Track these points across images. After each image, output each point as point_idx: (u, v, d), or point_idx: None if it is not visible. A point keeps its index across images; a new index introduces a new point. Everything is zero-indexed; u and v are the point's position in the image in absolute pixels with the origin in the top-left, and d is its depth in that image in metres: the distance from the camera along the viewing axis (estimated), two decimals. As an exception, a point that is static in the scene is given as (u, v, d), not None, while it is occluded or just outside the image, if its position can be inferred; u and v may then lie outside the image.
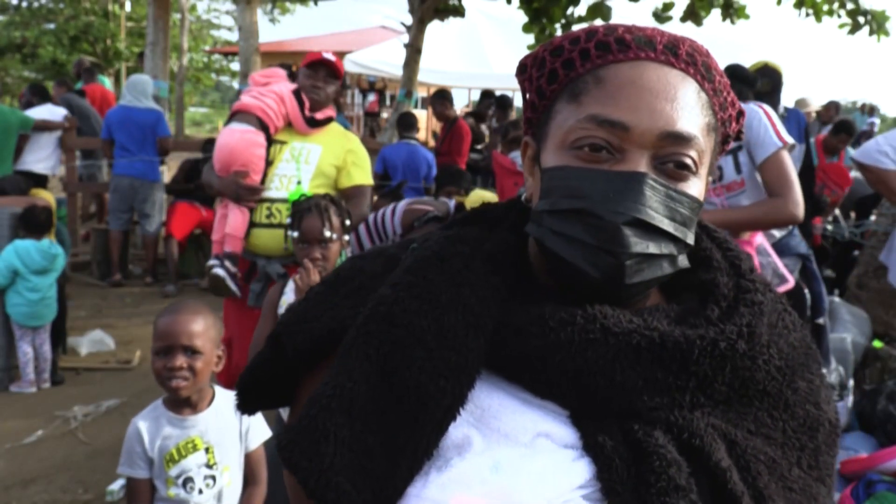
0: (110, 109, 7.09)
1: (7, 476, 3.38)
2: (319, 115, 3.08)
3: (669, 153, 0.74)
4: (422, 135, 10.62)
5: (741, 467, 0.70)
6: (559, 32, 7.89)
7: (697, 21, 8.15)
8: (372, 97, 14.03)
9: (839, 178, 6.67)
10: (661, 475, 0.67)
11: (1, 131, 6.32)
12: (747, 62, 4.38)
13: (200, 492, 2.02)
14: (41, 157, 6.90)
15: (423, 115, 14.15)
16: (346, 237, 2.59)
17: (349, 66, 13.06)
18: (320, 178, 3.00)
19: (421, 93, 14.76)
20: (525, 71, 0.83)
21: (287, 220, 2.88)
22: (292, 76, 3.18)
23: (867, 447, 3.03)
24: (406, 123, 6.63)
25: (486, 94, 9.76)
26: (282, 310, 2.52)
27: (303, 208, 2.49)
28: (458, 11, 9.27)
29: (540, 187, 0.79)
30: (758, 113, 2.62)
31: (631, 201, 0.71)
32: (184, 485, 2.01)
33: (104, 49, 19.46)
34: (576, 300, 0.75)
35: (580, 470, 0.69)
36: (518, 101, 9.71)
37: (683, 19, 8.20)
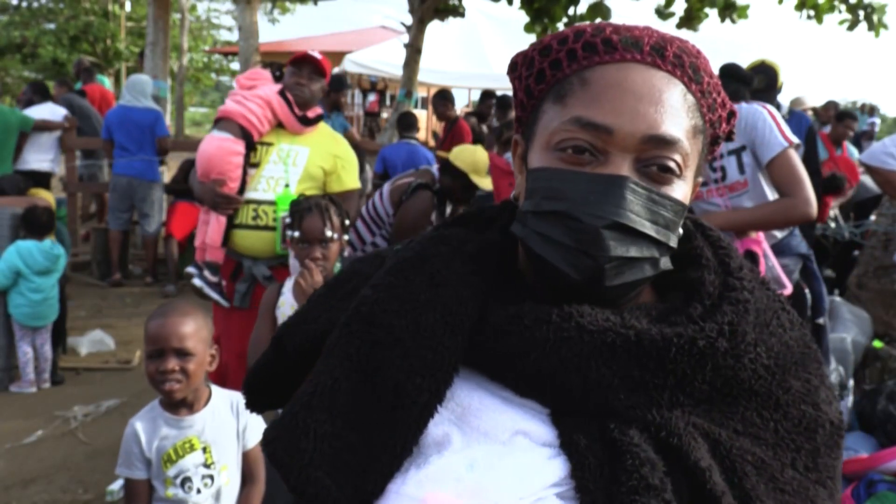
0: (110, 110, 7.10)
1: (7, 476, 3.38)
2: (310, 114, 3.07)
3: (653, 156, 0.73)
4: (422, 135, 10.62)
5: (726, 467, 0.70)
6: (561, 32, 7.89)
7: (693, 26, 8.18)
8: (372, 97, 14.03)
9: (849, 172, 6.70)
10: (632, 474, 0.66)
11: (1, 131, 6.32)
12: (747, 62, 4.38)
13: (199, 491, 2.02)
14: (42, 157, 6.90)
15: (423, 115, 14.15)
16: (346, 237, 2.59)
17: (349, 66, 13.06)
18: (308, 181, 2.99)
19: (421, 93, 14.76)
20: (515, 69, 0.83)
21: (273, 222, 2.88)
22: (278, 77, 3.15)
23: (867, 447, 3.03)
24: (406, 123, 6.64)
25: (487, 94, 9.75)
26: (280, 310, 2.52)
27: (303, 208, 2.48)
28: (458, 11, 9.28)
29: (525, 187, 0.79)
30: (762, 113, 2.62)
31: (611, 205, 0.71)
32: (182, 485, 2.01)
33: (104, 49, 19.47)
34: (559, 300, 0.75)
35: (555, 468, 0.69)
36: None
37: (679, 26, 8.24)
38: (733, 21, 8.05)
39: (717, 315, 0.74)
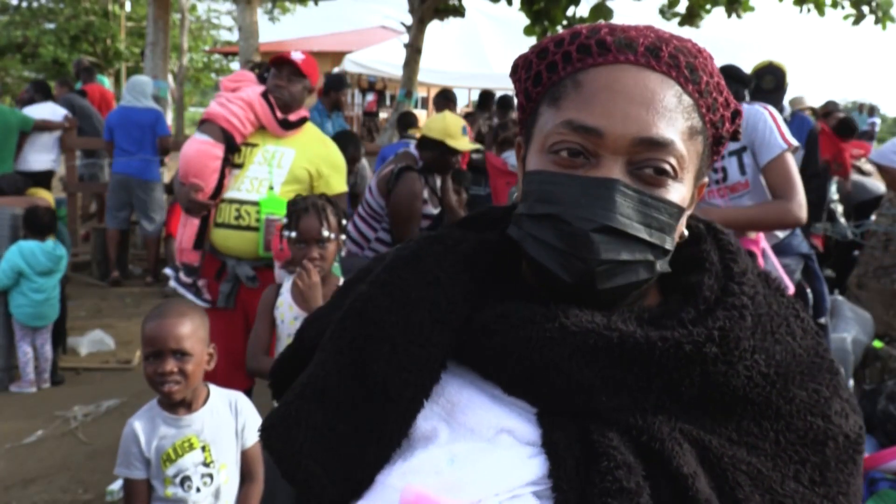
0: (111, 111, 7.11)
1: (7, 476, 3.38)
2: (293, 117, 3.05)
3: (645, 159, 0.73)
4: (422, 135, 10.57)
5: (716, 475, 0.68)
6: (560, 34, 7.88)
7: (694, 23, 8.17)
8: (371, 97, 14.02)
9: (859, 147, 6.89)
10: (605, 476, 0.66)
11: (1, 131, 6.32)
12: (748, 61, 4.41)
13: (198, 490, 2.02)
14: (43, 157, 6.91)
15: (423, 115, 14.14)
16: (343, 237, 2.59)
17: (349, 66, 13.06)
18: (293, 183, 2.97)
19: (421, 93, 14.76)
20: (516, 72, 0.84)
21: (256, 223, 2.89)
22: (264, 79, 3.13)
23: (868, 447, 3.03)
24: (407, 123, 6.66)
25: (484, 94, 9.75)
26: (278, 311, 2.51)
27: (300, 208, 2.48)
28: (458, 11, 9.27)
29: (521, 190, 0.80)
30: (763, 114, 2.62)
31: (601, 208, 0.71)
32: (181, 484, 2.01)
33: (104, 49, 19.46)
34: (553, 300, 0.75)
35: (534, 466, 0.70)
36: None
37: (682, 23, 8.22)
38: (739, 16, 8.04)
39: (709, 320, 0.72)
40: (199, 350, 2.01)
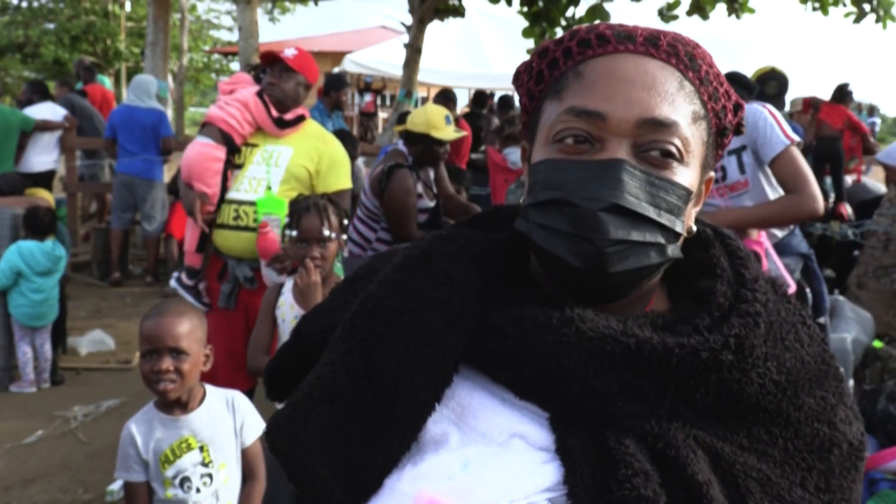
0: (114, 109, 7.12)
1: (7, 476, 3.38)
2: (289, 116, 3.04)
3: (650, 140, 0.73)
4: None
5: (728, 483, 0.68)
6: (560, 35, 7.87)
7: (703, 15, 8.11)
8: (368, 97, 14.02)
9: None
10: (623, 483, 0.65)
11: (1, 131, 6.33)
12: (749, 61, 4.42)
13: (198, 490, 2.02)
14: (45, 158, 6.93)
15: (422, 115, 14.10)
16: (344, 236, 2.59)
17: (349, 66, 13.07)
18: (292, 181, 2.96)
19: (421, 93, 14.77)
20: (518, 78, 0.84)
21: (254, 223, 2.89)
22: (259, 79, 3.14)
23: (867, 447, 3.03)
24: (402, 122, 6.65)
25: (479, 94, 9.75)
26: (279, 311, 2.51)
27: (301, 207, 2.47)
28: (458, 11, 9.28)
29: (527, 184, 0.79)
30: (762, 112, 2.63)
31: (607, 188, 0.70)
32: (181, 485, 2.01)
33: (104, 49, 19.46)
34: (565, 299, 0.74)
35: (548, 473, 0.69)
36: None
37: (690, 13, 8.17)
38: (738, 16, 8.03)
39: (724, 327, 0.72)
40: (196, 350, 2.01)
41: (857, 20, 8.21)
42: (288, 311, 2.49)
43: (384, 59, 13.55)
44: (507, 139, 5.61)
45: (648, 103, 0.73)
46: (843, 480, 0.73)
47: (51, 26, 19.55)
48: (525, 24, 8.55)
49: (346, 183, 3.10)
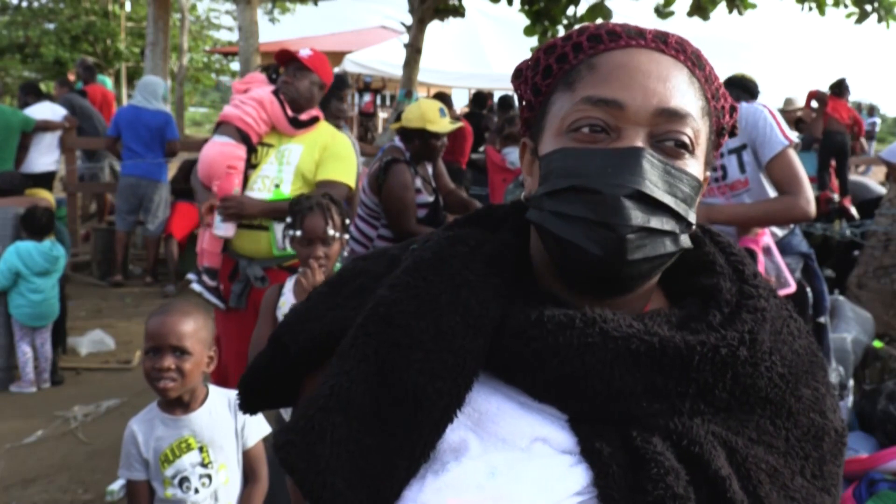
0: (121, 109, 7.12)
1: (7, 476, 3.38)
2: (304, 116, 3.05)
3: (666, 130, 0.73)
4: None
5: (741, 476, 0.69)
6: (561, 34, 7.86)
7: (704, 15, 8.11)
8: (367, 97, 14.02)
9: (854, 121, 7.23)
10: (658, 483, 0.65)
11: (2, 131, 6.33)
12: (749, 61, 4.44)
13: (197, 491, 2.02)
14: (47, 159, 6.94)
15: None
16: (346, 236, 2.59)
17: (349, 66, 13.06)
18: (300, 180, 2.98)
19: (421, 93, 14.78)
20: (521, 75, 0.83)
21: (266, 222, 2.89)
22: (274, 80, 3.15)
23: (867, 447, 3.03)
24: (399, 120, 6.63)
25: (478, 95, 9.75)
26: (280, 311, 2.51)
27: (304, 207, 2.47)
28: (458, 11, 9.28)
29: (538, 175, 0.78)
30: (762, 112, 2.64)
31: (630, 174, 0.70)
32: (180, 485, 2.01)
33: (104, 49, 19.46)
34: (576, 299, 0.74)
35: (577, 476, 0.68)
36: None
37: (690, 14, 8.16)
38: (740, 12, 8.02)
39: (737, 323, 0.73)
40: (200, 350, 2.01)
41: (860, 21, 8.20)
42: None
43: (384, 59, 13.55)
44: (507, 139, 5.61)
45: (665, 94, 0.73)
46: (833, 466, 0.76)
47: (51, 26, 19.55)
48: (526, 22, 8.55)
49: (343, 177, 3.06)
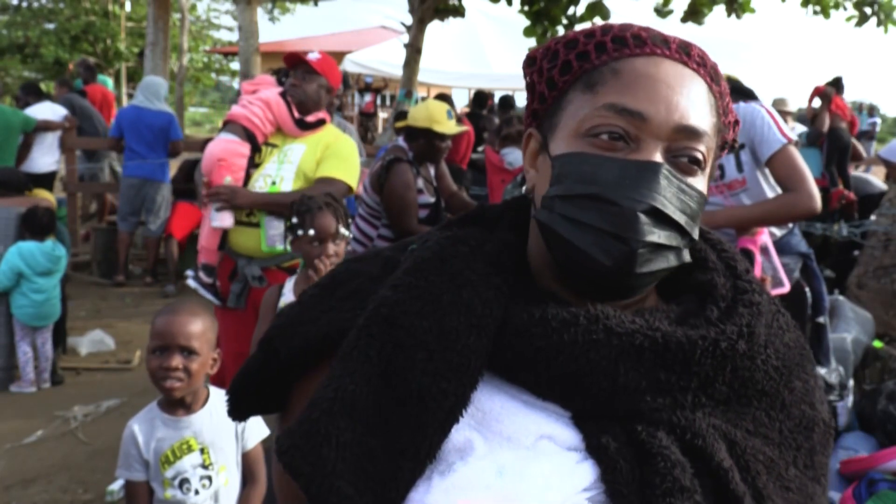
0: (123, 109, 7.13)
1: (7, 476, 3.38)
2: (310, 118, 3.07)
3: (682, 147, 0.74)
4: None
5: (741, 467, 0.71)
6: (561, 34, 7.85)
7: (698, 20, 8.13)
8: (368, 97, 14.02)
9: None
10: (665, 476, 0.66)
11: (2, 131, 6.33)
12: (749, 61, 4.43)
13: (197, 492, 2.02)
14: (49, 159, 6.94)
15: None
16: (349, 235, 2.59)
17: (349, 66, 13.07)
18: (302, 178, 2.99)
19: (421, 93, 14.78)
20: (534, 63, 0.82)
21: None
22: (283, 82, 3.18)
23: (867, 447, 3.03)
24: (399, 120, 6.64)
25: (479, 95, 9.74)
26: (282, 311, 2.51)
27: (313, 206, 2.44)
28: (458, 11, 9.28)
29: (550, 174, 0.77)
30: (759, 111, 2.64)
31: (646, 188, 0.71)
32: (180, 486, 2.01)
33: (104, 49, 19.46)
34: (574, 298, 0.75)
35: (584, 472, 0.69)
36: (519, 102, 9.69)
37: (684, 20, 8.19)
38: (738, 16, 8.03)
39: (735, 317, 0.75)
40: (206, 351, 2.01)
41: (859, 24, 8.22)
42: (288, 312, 2.49)
43: (384, 59, 13.56)
44: (505, 139, 5.60)
45: (686, 110, 0.74)
46: (822, 457, 0.78)
47: (51, 26, 19.54)
48: (526, 23, 8.55)
49: (343, 175, 3.04)
